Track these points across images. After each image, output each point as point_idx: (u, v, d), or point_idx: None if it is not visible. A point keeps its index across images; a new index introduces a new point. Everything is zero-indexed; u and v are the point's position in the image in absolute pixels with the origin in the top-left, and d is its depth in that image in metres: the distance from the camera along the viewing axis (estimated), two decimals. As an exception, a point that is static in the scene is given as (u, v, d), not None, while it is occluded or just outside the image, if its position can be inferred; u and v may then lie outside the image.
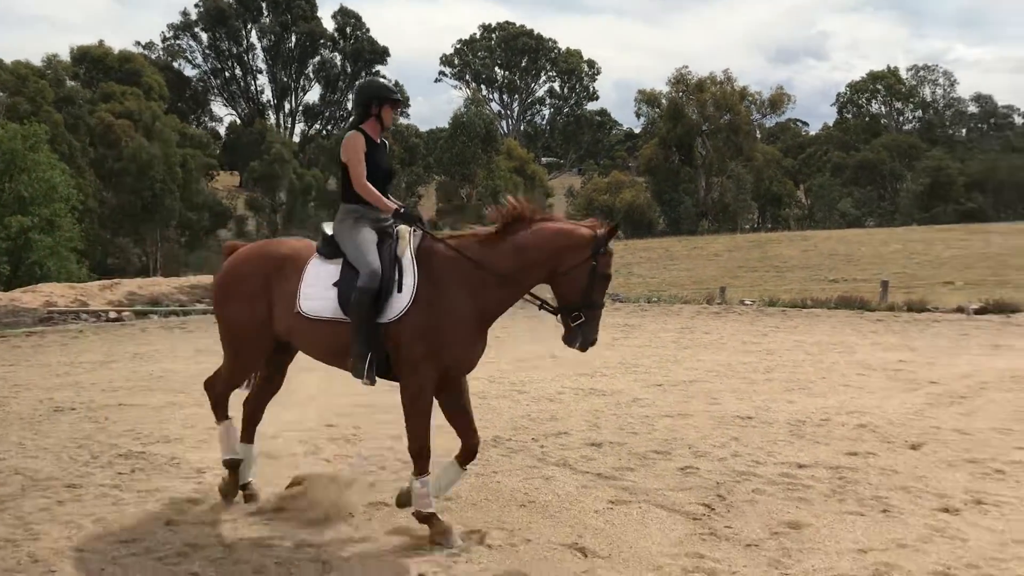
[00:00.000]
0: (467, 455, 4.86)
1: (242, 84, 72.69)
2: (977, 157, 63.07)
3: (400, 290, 4.65)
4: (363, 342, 4.62)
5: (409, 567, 4.24)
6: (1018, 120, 74.52)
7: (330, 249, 4.92)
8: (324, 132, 72.49)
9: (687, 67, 62.60)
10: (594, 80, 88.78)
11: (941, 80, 74.05)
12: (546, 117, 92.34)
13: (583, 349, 4.67)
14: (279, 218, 56.47)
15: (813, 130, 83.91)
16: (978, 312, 13.91)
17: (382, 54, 71.56)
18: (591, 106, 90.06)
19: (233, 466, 5.12)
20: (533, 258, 4.64)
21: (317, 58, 72.67)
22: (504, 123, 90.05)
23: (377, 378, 4.64)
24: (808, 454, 6.17)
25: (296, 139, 71.01)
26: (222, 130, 72.03)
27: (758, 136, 68.08)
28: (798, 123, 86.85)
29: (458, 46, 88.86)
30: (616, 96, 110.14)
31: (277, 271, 4.97)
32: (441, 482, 4.82)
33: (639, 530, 4.63)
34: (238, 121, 70.92)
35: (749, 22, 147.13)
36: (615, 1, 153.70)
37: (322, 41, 71.83)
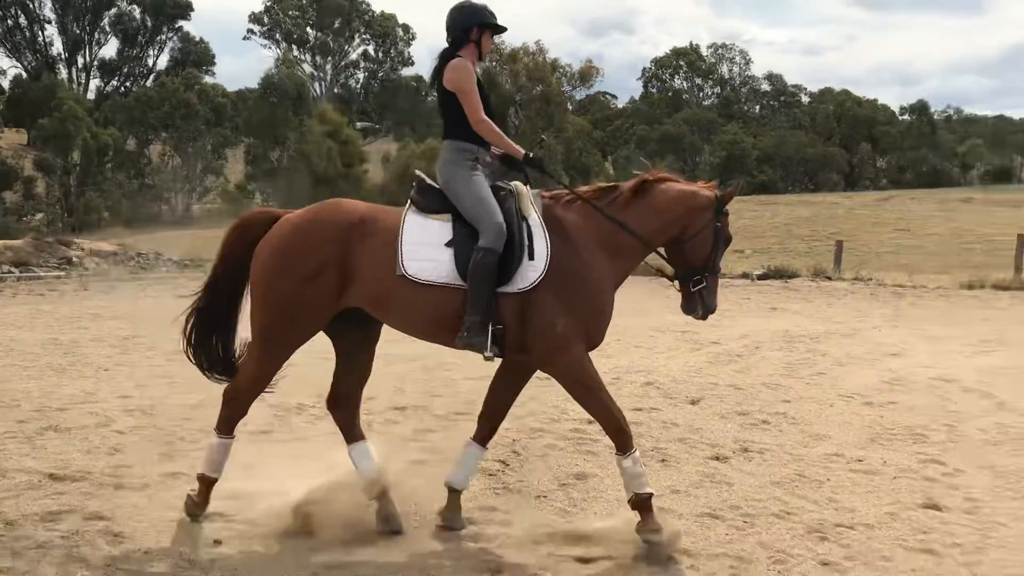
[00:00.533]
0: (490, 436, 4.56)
1: (27, 34, 67.08)
2: (769, 133, 67.56)
3: (532, 257, 4.09)
4: (484, 311, 4.03)
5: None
6: (805, 99, 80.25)
7: (432, 201, 4.27)
8: (122, 89, 68.21)
9: (501, 37, 63.35)
10: (409, 45, 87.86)
11: (738, 59, 78.48)
12: (361, 81, 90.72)
13: (704, 317, 4.42)
14: (72, 180, 52.82)
15: (622, 103, 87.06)
16: (761, 278, 15.03)
17: (185, 8, 67.95)
18: (407, 71, 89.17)
19: (210, 483, 4.35)
20: (670, 219, 4.32)
21: (113, 10, 68.04)
22: (317, 85, 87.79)
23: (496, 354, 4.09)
24: (599, 411, 6.55)
25: (91, 96, 66.32)
26: (5, 83, 66.33)
27: (569, 108, 69.93)
28: (607, 96, 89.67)
29: (268, 3, 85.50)
30: (430, 62, 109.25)
31: (358, 232, 4.17)
32: (468, 469, 4.50)
33: (436, 489, 4.80)
34: (24, 75, 65.49)
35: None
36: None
37: (117, -7, 67.31)
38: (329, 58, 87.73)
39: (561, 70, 62.40)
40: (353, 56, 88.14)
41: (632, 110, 78.70)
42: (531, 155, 4.39)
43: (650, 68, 77.64)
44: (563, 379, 4.27)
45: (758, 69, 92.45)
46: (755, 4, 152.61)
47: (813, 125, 70.87)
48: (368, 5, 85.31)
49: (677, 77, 77.77)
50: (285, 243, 4.20)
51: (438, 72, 4.39)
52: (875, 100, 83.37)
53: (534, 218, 4.19)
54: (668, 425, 6.21)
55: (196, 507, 4.31)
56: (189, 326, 4.49)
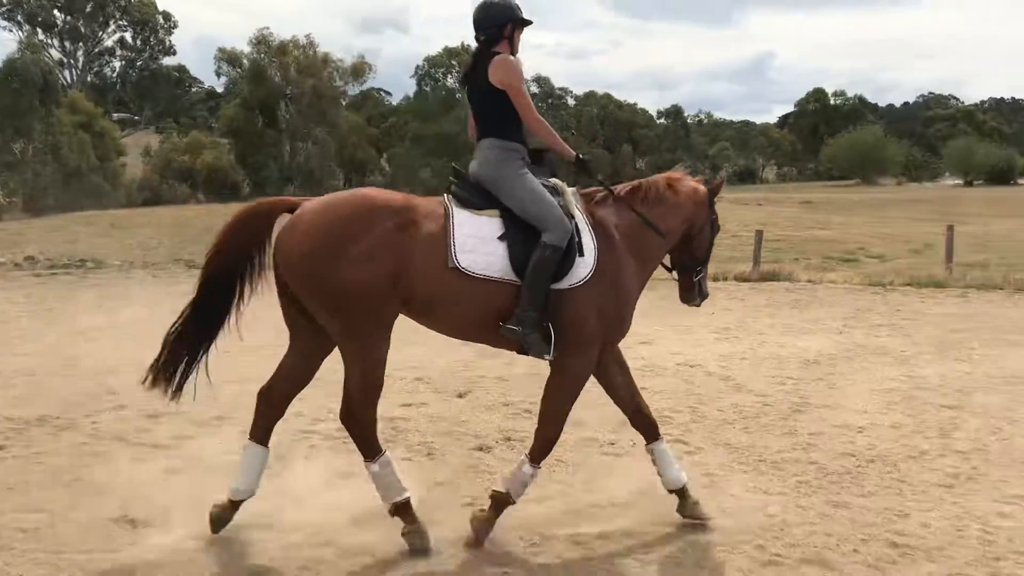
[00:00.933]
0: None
1: None
2: (537, 133, 69.81)
3: (582, 254, 4.11)
4: (542, 307, 4.01)
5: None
6: (571, 101, 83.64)
7: (474, 196, 4.22)
8: None
9: (268, 28, 61.35)
10: (171, 33, 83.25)
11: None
12: (117, 70, 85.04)
13: (700, 304, 4.81)
14: None
15: (396, 100, 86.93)
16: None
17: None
18: (168, 61, 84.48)
19: (405, 507, 4.10)
20: (685, 215, 4.53)
21: None
22: (67, 73, 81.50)
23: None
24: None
25: None
26: None
27: (344, 103, 68.97)
28: (382, 92, 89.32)
29: (7, -19, 78.30)
30: (197, 53, 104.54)
31: (405, 218, 3.98)
32: (669, 466, 4.54)
33: (192, 496, 4.62)
34: None
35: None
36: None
37: None
38: (80, 44, 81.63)
39: (333, 65, 61.62)
40: (108, 43, 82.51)
41: (407, 108, 78.86)
42: (581, 156, 4.49)
43: (423, 66, 78.29)
44: (561, 376, 4.30)
45: (527, 71, 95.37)
46: (525, 6, 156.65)
47: (579, 127, 74.17)
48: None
49: (451, 76, 78.83)
50: (331, 227, 3.89)
51: (476, 69, 4.34)
52: (635, 104, 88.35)
53: (579, 215, 4.24)
54: (435, 419, 6.31)
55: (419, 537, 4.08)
56: (172, 336, 4.16)
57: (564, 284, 4.08)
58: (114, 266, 15.94)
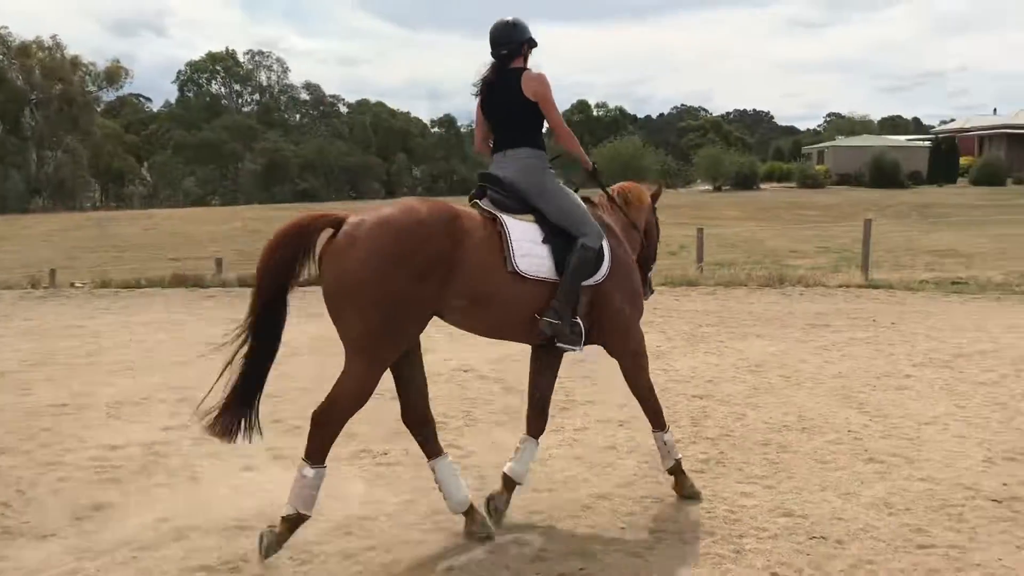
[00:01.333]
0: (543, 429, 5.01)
1: None
2: (309, 141, 68.49)
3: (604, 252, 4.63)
4: (574, 303, 4.46)
5: None
6: (343, 109, 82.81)
7: (513, 202, 4.53)
8: None
9: (7, 27, 56.40)
10: None
11: (275, 66, 78.51)
12: None
13: (648, 298, 5.22)
14: None
15: (157, 106, 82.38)
16: (302, 285, 15.16)
17: None
18: None
19: (296, 521, 4.04)
20: (644, 217, 5.27)
21: None
22: None
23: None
24: (123, 435, 6.16)
25: None
26: None
27: (98, 109, 64.55)
28: (141, 98, 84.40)
29: None
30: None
31: (460, 228, 4.13)
32: (526, 462, 4.85)
33: None
34: None
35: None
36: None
37: None
38: None
39: (84, 68, 57.33)
40: None
41: (168, 114, 75.07)
42: (595, 166, 5.09)
43: (185, 71, 74.77)
44: (632, 359, 4.86)
45: (297, 78, 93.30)
46: (291, 13, 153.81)
47: (352, 135, 73.55)
48: None
49: (215, 82, 75.83)
50: (390, 241, 3.92)
51: (502, 83, 4.68)
52: (408, 113, 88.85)
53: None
54: (199, 441, 6.02)
55: (274, 545, 3.99)
56: (239, 371, 4.11)
57: (591, 281, 4.54)
58: None
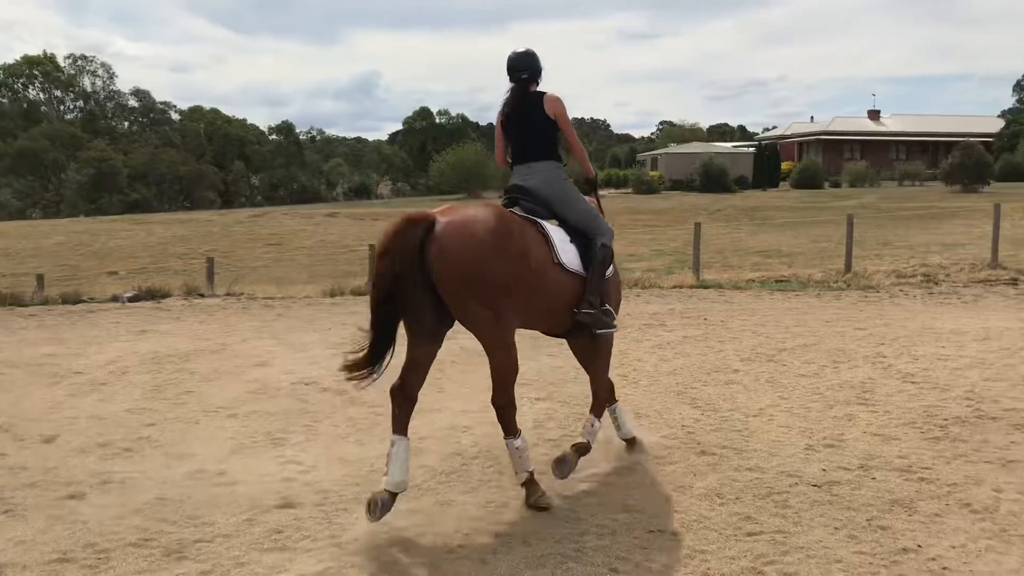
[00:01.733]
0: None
1: None
2: (139, 150, 65.35)
3: None
4: (599, 294, 5.27)
5: None
6: (175, 116, 79.47)
7: (542, 208, 5.29)
8: None
9: None
10: None
11: (101, 72, 74.58)
12: None
13: None
14: None
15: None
16: (132, 300, 14.46)
17: None
18: None
19: (531, 481, 4.95)
20: None
21: None
22: None
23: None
24: (-72, 468, 5.68)
25: None
26: None
27: None
28: (-53, 104, 78.23)
29: None
30: None
31: (522, 226, 4.95)
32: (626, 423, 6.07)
33: None
34: None
35: None
36: None
37: None
38: None
39: None
40: None
41: None
42: (597, 175, 6.21)
43: (-2, 76, 69.76)
44: (603, 341, 5.62)
45: (125, 84, 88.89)
46: (118, 17, 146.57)
47: (185, 143, 70.66)
48: None
49: (32, 88, 71.18)
50: (493, 232, 4.68)
51: (525, 104, 5.41)
52: (245, 120, 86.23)
53: None
54: (16, 470, 5.63)
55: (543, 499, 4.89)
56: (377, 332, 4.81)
57: (608, 274, 5.45)
58: None
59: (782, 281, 15.33)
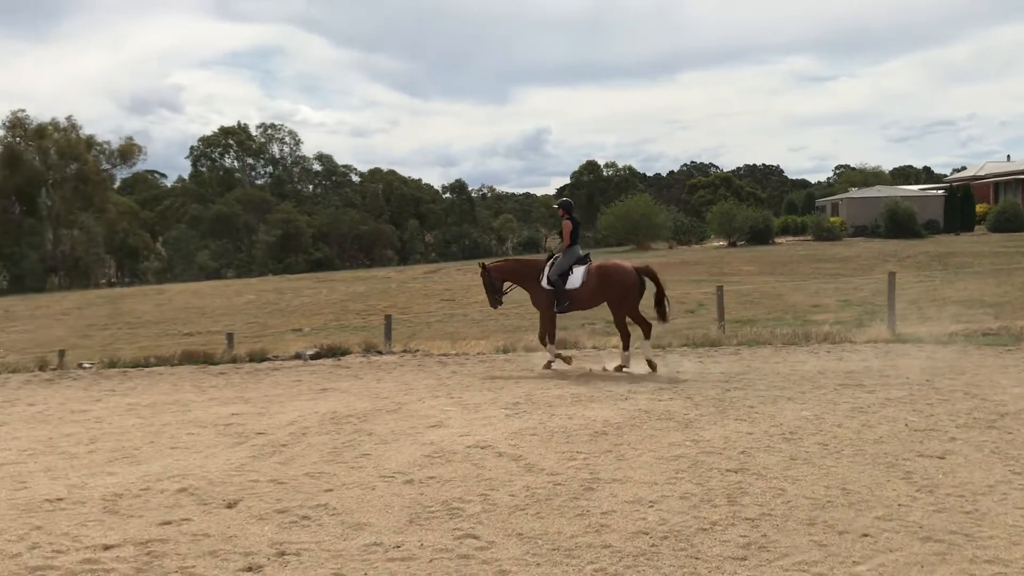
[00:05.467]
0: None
1: None
2: (322, 211, 68.83)
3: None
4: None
5: None
6: (355, 178, 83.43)
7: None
8: None
9: (24, 110, 57.31)
10: None
11: (287, 139, 79.43)
12: None
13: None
14: None
15: (172, 182, 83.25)
16: (314, 357, 14.82)
17: None
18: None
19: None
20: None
21: None
22: None
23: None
24: (118, 532, 5.74)
25: None
26: None
27: (115, 186, 65.17)
28: (156, 174, 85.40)
29: None
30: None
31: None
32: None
33: None
34: None
35: (96, 68, 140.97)
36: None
37: None
38: None
39: (98, 147, 58.03)
40: None
41: (182, 189, 75.74)
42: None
43: (198, 147, 75.61)
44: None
45: (309, 149, 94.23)
46: (304, 87, 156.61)
47: (364, 203, 73.89)
48: None
49: (227, 156, 76.62)
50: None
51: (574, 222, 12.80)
52: (419, 180, 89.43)
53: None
54: (198, 537, 5.60)
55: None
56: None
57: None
58: None
59: (990, 334, 13.98)
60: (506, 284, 13.30)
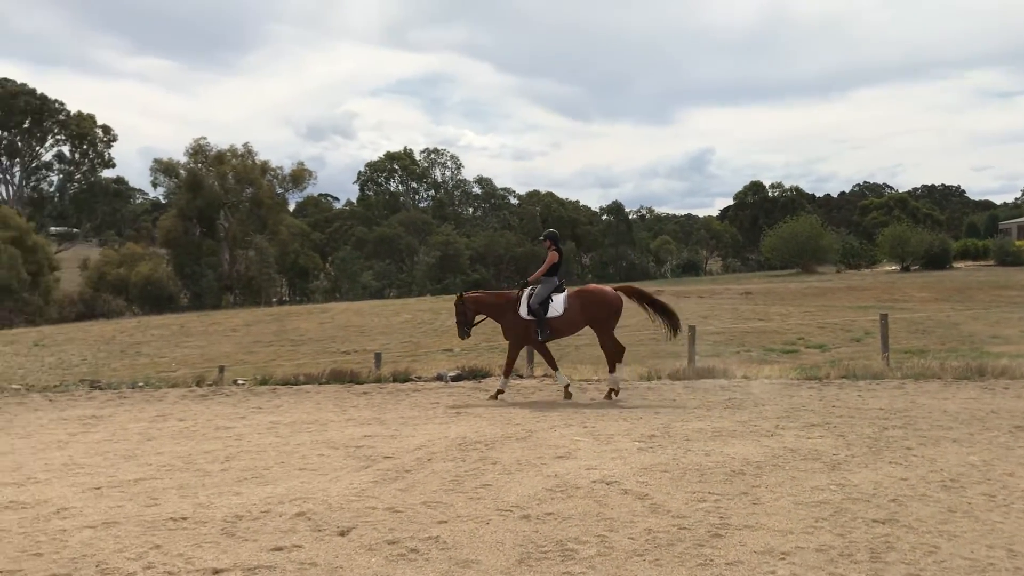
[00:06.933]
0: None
1: None
2: (480, 233, 69.99)
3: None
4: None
5: None
6: (514, 201, 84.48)
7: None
8: None
9: (205, 138, 61.33)
10: (110, 146, 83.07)
11: (449, 163, 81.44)
12: (55, 183, 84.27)
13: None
14: None
15: (342, 205, 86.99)
16: (455, 379, 14.80)
17: None
18: (107, 173, 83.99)
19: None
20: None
21: None
22: (3, 188, 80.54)
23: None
24: (231, 556, 5.72)
25: None
26: None
27: (290, 209, 68.59)
28: (328, 198, 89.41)
29: (-60, 100, 77.91)
30: (142, 164, 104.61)
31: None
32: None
33: None
34: None
35: (277, 97, 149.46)
36: (136, 65, 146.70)
37: None
38: (17, 159, 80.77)
39: (272, 172, 61.31)
40: (47, 157, 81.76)
41: (350, 212, 78.89)
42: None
43: (366, 172, 78.65)
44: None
45: (471, 173, 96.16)
46: (469, 112, 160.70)
47: (521, 225, 74.59)
48: (62, 104, 79.85)
49: (392, 180, 79.27)
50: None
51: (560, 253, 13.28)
52: (577, 201, 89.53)
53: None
54: (305, 566, 5.50)
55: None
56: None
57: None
58: (11, 390, 14.90)
59: None
60: (478, 316, 13.34)
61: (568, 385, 12.91)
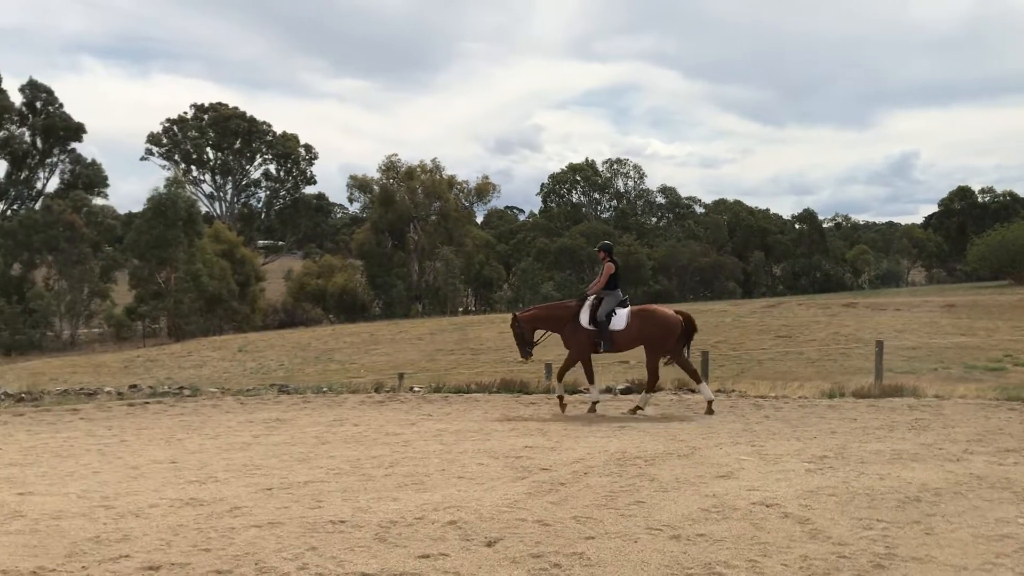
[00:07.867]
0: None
1: (-90, 159, 65.21)
2: (663, 243, 69.13)
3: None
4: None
5: None
6: (699, 210, 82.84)
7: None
8: (8, 213, 66.05)
9: (396, 155, 64.00)
10: (311, 164, 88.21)
11: (632, 173, 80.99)
12: (262, 200, 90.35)
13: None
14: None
15: (526, 216, 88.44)
16: (624, 392, 14.63)
17: (76, 130, 66.84)
18: (309, 189, 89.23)
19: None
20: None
21: (2, 133, 66.51)
22: (218, 205, 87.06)
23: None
24: (379, 561, 5.86)
25: (-25, 219, 64.15)
26: None
27: (478, 221, 70.52)
28: (514, 210, 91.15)
29: (167, 125, 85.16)
30: (341, 180, 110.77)
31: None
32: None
33: None
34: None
35: (467, 113, 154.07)
36: (336, 87, 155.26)
37: (7, 116, 65.90)
38: (230, 177, 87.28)
39: (459, 187, 63.25)
40: (255, 175, 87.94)
41: (533, 223, 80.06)
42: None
43: (548, 183, 79.60)
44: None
45: (658, 182, 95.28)
46: (655, 120, 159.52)
47: (707, 235, 73.07)
48: (269, 125, 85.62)
49: (575, 191, 79.77)
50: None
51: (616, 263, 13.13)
52: (767, 210, 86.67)
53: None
54: (448, 575, 5.55)
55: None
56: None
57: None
58: (209, 393, 16.03)
59: None
60: (538, 333, 13.26)
61: (597, 402, 13.00)
